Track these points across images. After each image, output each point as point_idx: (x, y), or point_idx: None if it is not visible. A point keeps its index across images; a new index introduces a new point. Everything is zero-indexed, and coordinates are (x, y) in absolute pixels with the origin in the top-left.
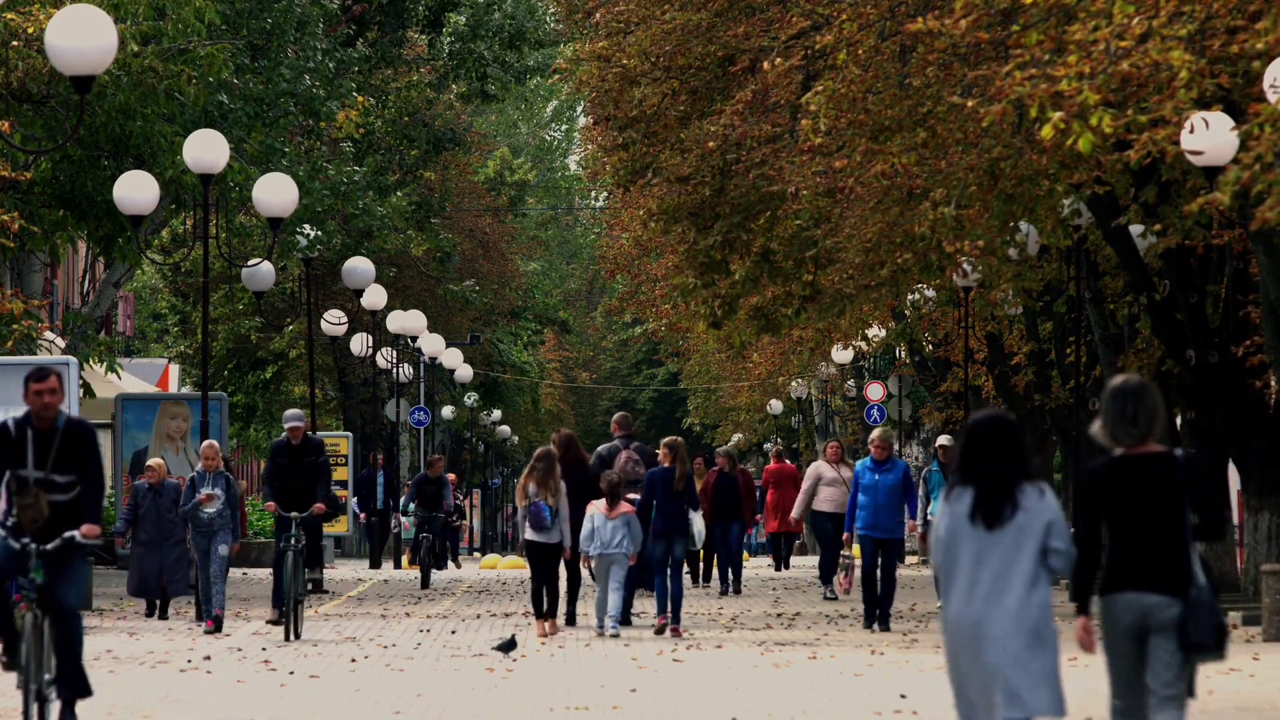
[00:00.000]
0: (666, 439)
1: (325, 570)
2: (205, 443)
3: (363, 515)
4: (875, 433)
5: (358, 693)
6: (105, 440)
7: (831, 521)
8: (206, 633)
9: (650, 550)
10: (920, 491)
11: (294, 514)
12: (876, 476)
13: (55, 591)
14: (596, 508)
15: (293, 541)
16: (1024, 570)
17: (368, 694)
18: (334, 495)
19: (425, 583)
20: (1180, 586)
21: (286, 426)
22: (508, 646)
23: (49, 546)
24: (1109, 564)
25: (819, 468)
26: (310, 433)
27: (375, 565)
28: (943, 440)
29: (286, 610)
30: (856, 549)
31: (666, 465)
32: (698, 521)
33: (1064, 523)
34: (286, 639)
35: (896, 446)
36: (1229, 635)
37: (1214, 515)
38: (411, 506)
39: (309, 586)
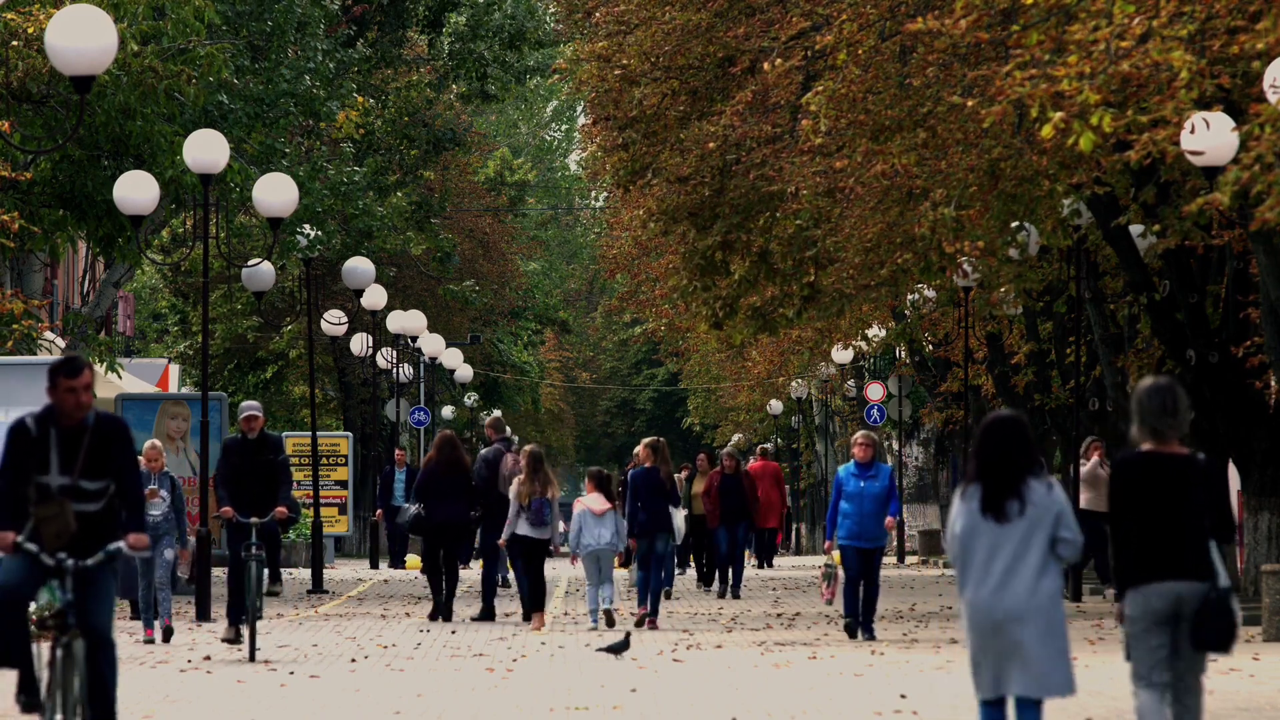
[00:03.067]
0: (647, 439)
1: (325, 570)
2: (148, 442)
3: (379, 513)
4: (859, 432)
5: (358, 693)
6: None
7: (1104, 520)
8: (146, 641)
9: (638, 547)
10: None
11: (253, 519)
12: (862, 484)
13: (86, 615)
14: (583, 505)
15: (253, 550)
16: (1034, 561)
17: (368, 694)
18: (294, 498)
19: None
20: (1207, 574)
21: (242, 417)
22: (620, 648)
23: (89, 562)
24: (1141, 554)
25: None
26: (268, 428)
27: (396, 566)
28: None
29: (247, 624)
30: (837, 555)
31: (648, 465)
32: (678, 518)
33: (1072, 514)
34: (251, 659)
35: (897, 447)
36: (1238, 632)
37: (1228, 517)
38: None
39: (260, 602)
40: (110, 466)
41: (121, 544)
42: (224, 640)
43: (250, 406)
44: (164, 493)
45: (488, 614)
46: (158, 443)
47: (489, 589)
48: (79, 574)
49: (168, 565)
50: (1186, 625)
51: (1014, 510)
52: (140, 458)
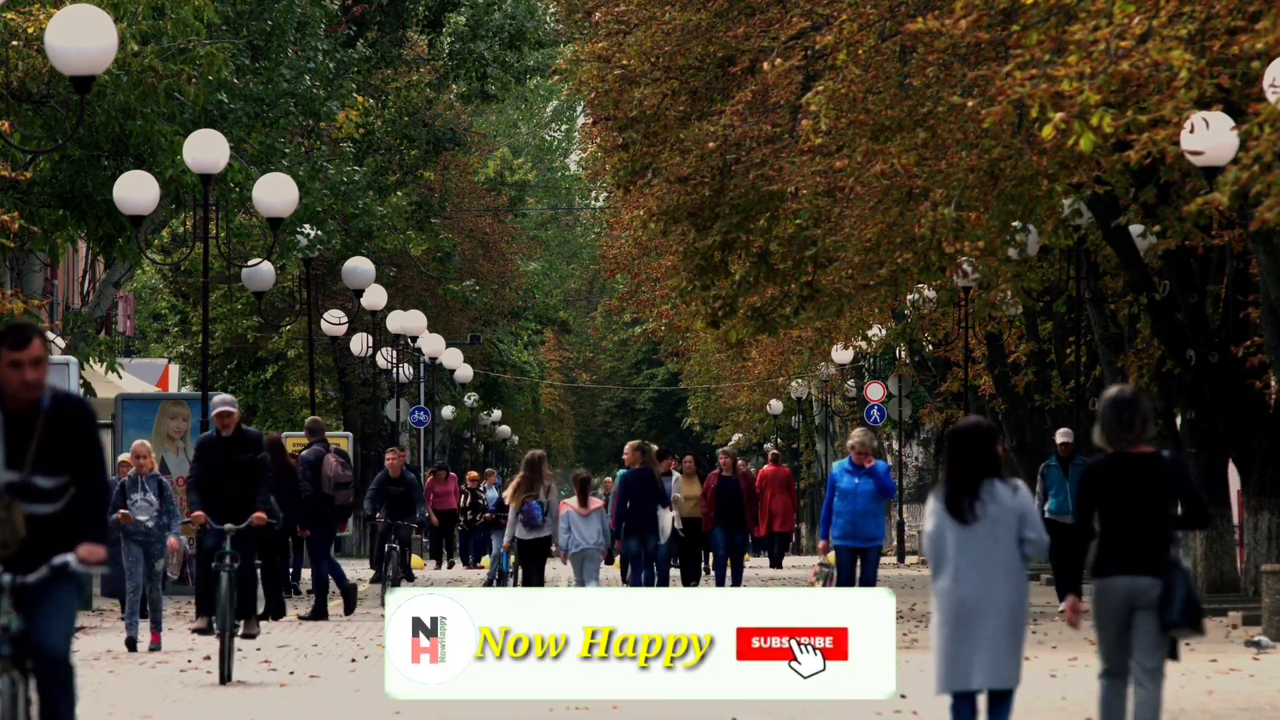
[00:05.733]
0: (633, 441)
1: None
2: (135, 442)
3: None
4: (855, 436)
5: (358, 693)
6: (105, 441)
7: None
8: (151, 649)
9: (626, 546)
10: (1039, 487)
11: (228, 526)
12: (856, 481)
13: (37, 635)
14: (570, 506)
15: (226, 560)
16: (1001, 559)
17: (367, 694)
18: (273, 503)
19: (384, 600)
20: (1163, 570)
21: (214, 414)
22: None
23: (29, 579)
24: (1102, 550)
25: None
26: (245, 424)
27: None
28: (1061, 435)
29: (221, 632)
30: (832, 556)
31: (638, 467)
32: (665, 518)
33: (1036, 515)
34: (222, 681)
35: (897, 447)
36: (1204, 613)
37: (1199, 506)
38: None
39: (237, 630)
40: (68, 460)
41: (70, 557)
42: (193, 631)
43: (224, 401)
44: (152, 497)
45: (320, 613)
46: (146, 443)
47: (320, 586)
48: (18, 592)
49: (168, 559)
50: (1143, 616)
51: (979, 510)
52: (127, 457)
